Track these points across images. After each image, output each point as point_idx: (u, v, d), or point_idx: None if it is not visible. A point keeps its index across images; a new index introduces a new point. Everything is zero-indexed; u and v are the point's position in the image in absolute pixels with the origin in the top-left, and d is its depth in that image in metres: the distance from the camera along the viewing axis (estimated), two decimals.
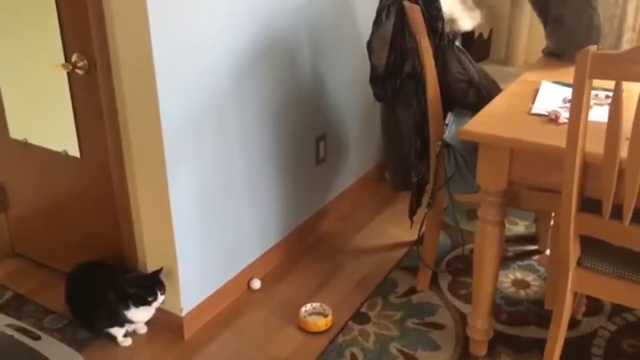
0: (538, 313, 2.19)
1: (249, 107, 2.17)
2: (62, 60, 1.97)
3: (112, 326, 2.04)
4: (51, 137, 2.19)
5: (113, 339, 2.07)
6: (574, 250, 1.64)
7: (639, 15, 2.74)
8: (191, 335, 2.13)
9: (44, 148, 2.21)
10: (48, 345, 1.27)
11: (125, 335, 2.07)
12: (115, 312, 1.98)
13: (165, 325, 2.13)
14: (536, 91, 1.93)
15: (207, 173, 2.06)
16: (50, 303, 2.25)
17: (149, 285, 1.97)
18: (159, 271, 2.00)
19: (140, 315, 2.01)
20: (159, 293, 1.98)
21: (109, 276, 2.03)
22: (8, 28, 2.10)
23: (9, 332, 1.31)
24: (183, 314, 2.09)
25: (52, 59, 1.98)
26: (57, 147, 2.17)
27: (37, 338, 1.28)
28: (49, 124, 2.19)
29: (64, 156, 2.16)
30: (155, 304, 1.99)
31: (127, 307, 1.97)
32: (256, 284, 2.37)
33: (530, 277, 2.39)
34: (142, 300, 1.97)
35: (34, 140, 2.24)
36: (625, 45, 2.75)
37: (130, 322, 2.03)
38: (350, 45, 2.67)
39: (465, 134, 1.69)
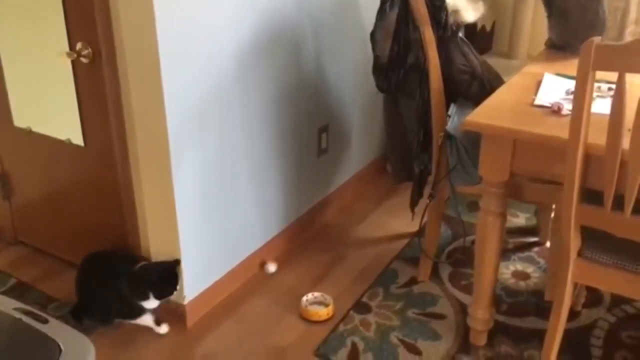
0: (538, 304, 2.20)
1: (252, 97, 2.18)
2: (67, 49, 1.97)
3: (127, 318, 2.06)
4: (55, 125, 2.20)
5: (115, 326, 2.08)
6: (575, 241, 1.66)
7: None
8: (194, 323, 2.14)
9: (48, 136, 2.22)
10: (56, 328, 1.28)
11: (158, 323, 2.09)
12: (132, 304, 2.00)
13: (168, 313, 2.14)
14: (539, 83, 1.94)
15: (210, 163, 2.07)
16: (53, 291, 2.27)
17: (171, 278, 2.00)
18: (177, 263, 2.02)
19: (154, 304, 2.03)
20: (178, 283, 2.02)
21: (121, 266, 2.04)
22: (13, 16, 2.10)
23: (17, 315, 1.33)
24: (186, 302, 2.11)
25: (56, 47, 1.99)
26: (61, 135, 2.18)
27: (45, 321, 1.30)
28: (53, 112, 2.19)
29: (67, 145, 2.17)
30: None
31: (147, 298, 1.98)
32: (271, 267, 2.40)
33: (530, 269, 2.41)
34: (166, 292, 2.00)
35: (38, 128, 2.24)
36: (628, 38, 2.75)
37: (147, 310, 2.04)
38: (353, 36, 2.67)
39: (468, 124, 1.70)
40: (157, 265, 2.04)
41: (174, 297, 2.11)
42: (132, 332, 2.09)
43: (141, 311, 2.04)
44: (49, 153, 2.26)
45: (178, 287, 2.02)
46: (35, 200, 2.44)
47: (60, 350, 1.26)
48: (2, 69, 2.23)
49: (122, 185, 2.09)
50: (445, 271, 2.40)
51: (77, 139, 2.14)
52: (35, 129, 2.25)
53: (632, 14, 2.74)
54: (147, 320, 2.06)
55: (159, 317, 2.12)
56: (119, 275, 2.00)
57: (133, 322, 2.06)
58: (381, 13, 2.18)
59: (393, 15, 2.13)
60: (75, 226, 2.34)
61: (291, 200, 2.55)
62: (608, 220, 1.58)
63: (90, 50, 1.94)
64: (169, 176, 1.93)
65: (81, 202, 2.27)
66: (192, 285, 2.11)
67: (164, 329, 2.08)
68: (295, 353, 2.02)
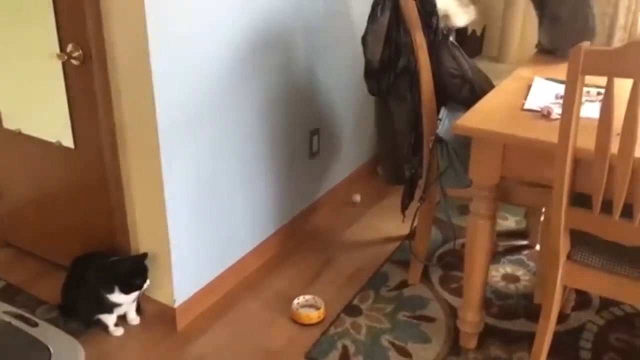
0: (527, 307, 2.22)
1: (244, 100, 2.18)
2: (57, 50, 1.96)
3: (101, 312, 2.04)
4: (45, 127, 2.18)
5: (104, 329, 2.07)
6: (564, 244, 1.67)
7: (630, 15, 2.76)
8: (184, 326, 2.13)
9: (37, 138, 2.21)
10: (46, 332, 1.27)
11: (116, 325, 2.08)
12: (100, 297, 1.99)
13: (158, 316, 2.13)
14: (529, 87, 1.96)
15: (201, 165, 2.06)
16: (42, 293, 2.25)
17: (138, 272, 1.99)
18: (144, 256, 2.01)
19: (124, 298, 2.01)
20: (147, 278, 2.00)
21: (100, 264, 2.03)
22: (3, 17, 2.09)
23: (6, 318, 1.32)
24: (176, 305, 2.10)
25: (47, 48, 1.97)
26: (51, 137, 2.17)
27: (35, 325, 1.29)
28: (43, 114, 2.18)
29: (57, 147, 2.16)
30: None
31: (112, 292, 1.97)
32: (357, 197, 2.83)
33: (520, 272, 2.42)
34: (133, 287, 1.98)
35: (27, 130, 2.23)
36: (617, 44, 2.78)
37: (117, 305, 2.02)
38: (345, 40, 2.68)
39: (459, 128, 1.71)
40: (127, 260, 2.04)
41: (164, 300, 2.10)
42: (122, 336, 2.07)
43: (110, 307, 2.02)
44: (39, 155, 2.25)
45: (147, 284, 2.00)
46: (24, 202, 2.42)
47: (50, 353, 1.26)
48: None
49: (112, 188, 2.08)
50: (435, 274, 2.41)
51: (67, 141, 2.13)
52: (25, 131, 2.24)
53: (621, 20, 2.77)
54: (109, 318, 2.05)
55: (145, 318, 2.12)
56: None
57: (97, 317, 2.05)
58: (372, 17, 2.18)
59: (384, 19, 2.14)
60: (64, 228, 2.32)
61: (283, 202, 2.55)
62: (597, 224, 1.59)
63: (81, 52, 1.93)
64: (159, 178, 1.92)
65: (71, 204, 2.26)
66: (182, 288, 2.11)
67: (119, 331, 2.08)
68: (286, 356, 2.01)
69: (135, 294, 2.02)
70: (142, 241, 2.09)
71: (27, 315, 1.34)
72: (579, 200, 1.61)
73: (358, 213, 2.87)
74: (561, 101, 1.51)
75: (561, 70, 1.64)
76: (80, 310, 2.07)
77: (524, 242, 2.61)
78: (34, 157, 2.27)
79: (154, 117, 1.84)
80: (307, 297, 2.23)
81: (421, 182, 2.22)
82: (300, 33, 2.40)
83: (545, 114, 1.74)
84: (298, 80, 2.46)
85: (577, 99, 1.44)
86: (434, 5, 2.06)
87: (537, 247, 2.53)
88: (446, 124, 2.06)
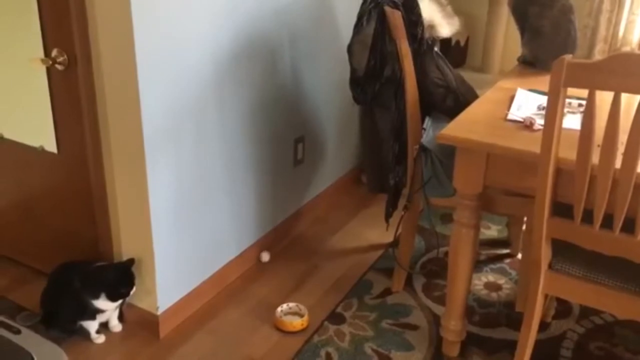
0: (509, 315, 2.24)
1: (229, 107, 2.18)
2: (42, 55, 1.95)
3: (84, 318, 2.02)
4: (28, 132, 2.16)
5: (86, 336, 2.05)
6: (545, 254, 1.69)
7: (610, 27, 2.81)
8: (166, 334, 2.12)
9: (20, 143, 2.19)
10: (29, 339, 1.26)
11: (98, 332, 2.06)
12: (84, 303, 1.97)
13: (141, 323, 2.12)
14: (512, 98, 1.98)
15: (186, 172, 2.06)
16: (23, 300, 2.23)
17: (125, 278, 1.98)
18: (131, 262, 2.00)
19: (109, 304, 2.00)
20: (134, 285, 1.99)
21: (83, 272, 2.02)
22: None
23: None
24: (159, 312, 2.08)
25: (31, 53, 1.96)
26: (34, 142, 2.15)
27: (18, 332, 1.27)
28: (26, 118, 2.16)
29: (40, 152, 2.14)
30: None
31: (97, 298, 1.96)
32: (265, 256, 2.53)
33: (502, 280, 2.44)
34: (120, 294, 1.97)
35: (9, 135, 2.21)
36: (597, 56, 2.83)
37: (100, 311, 2.01)
38: (330, 48, 2.69)
39: (443, 138, 1.73)
40: (113, 266, 2.02)
41: (147, 307, 2.09)
42: (104, 343, 2.06)
43: (93, 313, 2.00)
44: (21, 160, 2.22)
45: (133, 290, 1.99)
46: (5, 208, 2.39)
47: None
48: None
49: (95, 194, 2.06)
50: (419, 282, 2.42)
51: (50, 146, 2.11)
52: (7, 135, 2.22)
53: (602, 32, 2.81)
54: (92, 325, 2.04)
55: (127, 325, 2.10)
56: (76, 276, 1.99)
57: (79, 324, 2.03)
58: (358, 27, 2.20)
59: (370, 28, 2.15)
60: (46, 234, 2.30)
61: (266, 210, 2.55)
62: (578, 234, 1.61)
63: (65, 57, 1.92)
64: (143, 185, 1.91)
65: (53, 209, 2.24)
66: (165, 295, 2.09)
67: (101, 339, 2.06)
68: None
69: (120, 301, 2.01)
70: (125, 248, 2.07)
71: (9, 322, 1.33)
72: (561, 210, 1.63)
73: (342, 221, 2.88)
74: (543, 112, 1.53)
75: (543, 81, 1.67)
76: (61, 317, 2.05)
77: (506, 251, 2.63)
78: (16, 162, 2.24)
79: (139, 124, 1.83)
80: (291, 304, 2.23)
81: (405, 191, 2.23)
82: (285, 41, 2.41)
83: (528, 125, 1.76)
84: (283, 88, 2.47)
85: (559, 111, 1.47)
86: (419, 16, 2.08)
87: (519, 256, 2.56)
88: (430, 133, 2.08)
